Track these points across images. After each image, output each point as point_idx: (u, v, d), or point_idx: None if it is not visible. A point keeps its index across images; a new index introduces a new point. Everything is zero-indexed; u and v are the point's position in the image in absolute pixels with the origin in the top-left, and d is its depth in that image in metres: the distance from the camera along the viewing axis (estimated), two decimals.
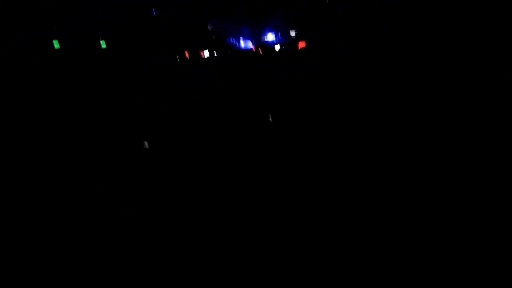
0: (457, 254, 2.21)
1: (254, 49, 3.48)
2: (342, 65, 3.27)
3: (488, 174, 2.56)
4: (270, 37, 3.47)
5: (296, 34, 3.39)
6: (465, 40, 3.04)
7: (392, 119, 2.97)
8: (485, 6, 2.99)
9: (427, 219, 2.42)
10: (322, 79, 3.32)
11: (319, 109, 3.17)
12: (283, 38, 3.44)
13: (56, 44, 3.42)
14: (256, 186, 2.78)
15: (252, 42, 3.52)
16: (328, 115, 3.12)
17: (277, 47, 3.41)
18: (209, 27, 3.58)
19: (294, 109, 3.24)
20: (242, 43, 3.55)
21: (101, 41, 3.46)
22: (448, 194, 2.52)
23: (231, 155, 3.05)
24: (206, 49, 3.53)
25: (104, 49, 3.50)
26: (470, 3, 3.03)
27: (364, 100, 3.09)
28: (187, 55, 3.55)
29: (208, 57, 3.55)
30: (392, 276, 2.17)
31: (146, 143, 2.93)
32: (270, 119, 2.91)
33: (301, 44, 3.36)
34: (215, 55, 3.57)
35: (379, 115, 3.01)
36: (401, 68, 3.09)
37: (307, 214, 2.57)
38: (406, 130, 2.89)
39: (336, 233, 2.43)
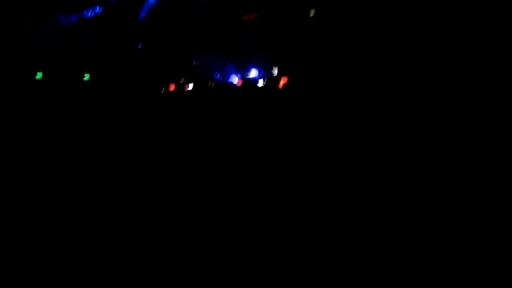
0: (457, 254, 2.21)
1: (239, 84, 3.67)
2: (342, 65, 3.28)
3: (488, 174, 2.56)
4: (253, 73, 3.67)
5: (278, 71, 3.59)
6: (465, 40, 3.03)
7: (392, 119, 2.97)
8: (485, 6, 2.99)
9: (427, 219, 2.42)
10: (322, 79, 3.32)
11: (319, 109, 3.17)
12: (266, 74, 3.64)
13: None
14: (257, 187, 2.79)
15: (237, 77, 3.71)
16: (327, 115, 3.12)
17: (261, 83, 3.59)
18: (193, 62, 3.77)
19: (294, 110, 3.25)
20: (227, 78, 3.73)
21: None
22: (448, 194, 2.52)
23: (231, 155, 3.06)
24: (191, 83, 3.70)
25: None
26: (469, 3, 3.02)
27: (363, 100, 3.09)
28: (172, 87, 3.72)
29: (192, 90, 3.73)
30: (392, 276, 2.17)
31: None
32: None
33: (284, 80, 3.53)
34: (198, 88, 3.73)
35: (379, 115, 3.01)
36: (401, 68, 3.09)
37: (307, 214, 2.57)
38: (406, 130, 2.90)
39: (337, 233, 2.43)
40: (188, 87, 3.71)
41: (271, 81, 3.55)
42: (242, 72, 3.72)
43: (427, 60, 3.06)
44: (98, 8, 3.67)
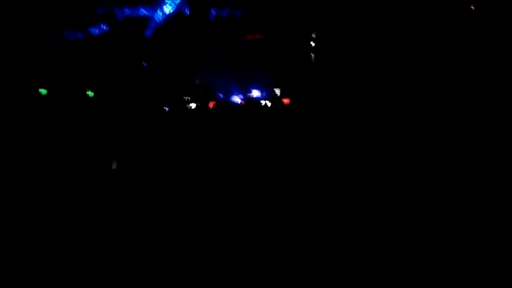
0: (457, 254, 2.21)
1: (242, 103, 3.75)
2: (342, 65, 3.28)
3: (488, 174, 2.56)
4: (255, 93, 3.72)
5: (280, 91, 3.67)
6: (465, 40, 3.04)
7: (392, 119, 2.97)
8: (485, 6, 2.99)
9: (427, 219, 2.42)
10: (322, 79, 3.33)
11: (319, 108, 3.18)
12: (268, 95, 3.70)
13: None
14: (257, 187, 2.79)
15: (240, 97, 3.77)
16: (328, 114, 3.12)
17: (265, 103, 3.65)
18: (196, 81, 3.81)
19: (294, 110, 3.25)
20: (232, 97, 3.79)
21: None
22: (448, 194, 2.51)
23: (231, 155, 3.06)
24: (193, 102, 3.74)
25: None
26: (469, 3, 3.03)
27: (364, 100, 3.09)
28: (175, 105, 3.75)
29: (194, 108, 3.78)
30: (392, 276, 2.17)
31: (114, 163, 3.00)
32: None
33: (286, 101, 3.60)
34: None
35: (379, 115, 3.01)
36: (401, 68, 3.10)
37: (307, 215, 2.57)
38: (406, 130, 2.90)
39: (337, 233, 2.43)
40: (191, 105, 3.72)
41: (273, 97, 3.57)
42: (245, 92, 3.77)
43: (427, 60, 3.06)
44: (103, 25, 3.68)
